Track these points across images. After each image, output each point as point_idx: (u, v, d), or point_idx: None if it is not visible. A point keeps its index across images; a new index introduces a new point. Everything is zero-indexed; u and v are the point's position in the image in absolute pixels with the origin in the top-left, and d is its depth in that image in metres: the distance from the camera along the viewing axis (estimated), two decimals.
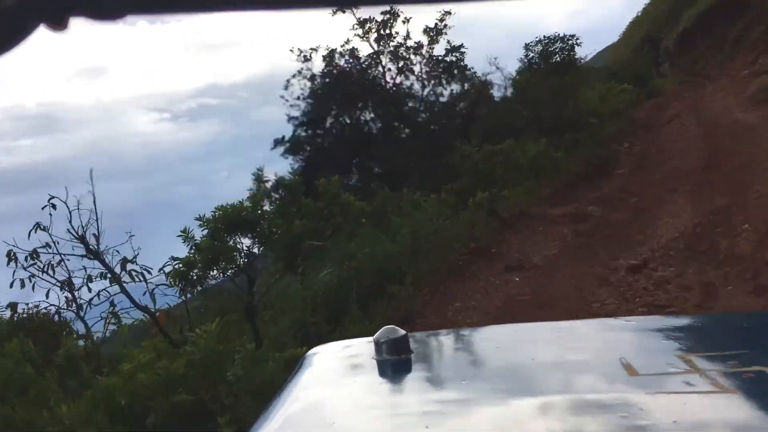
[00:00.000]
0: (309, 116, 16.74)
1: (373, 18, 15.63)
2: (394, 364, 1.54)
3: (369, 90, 16.53)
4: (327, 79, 16.21)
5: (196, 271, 6.75)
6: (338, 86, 16.19)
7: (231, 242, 7.03)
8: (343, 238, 8.80)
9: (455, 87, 17.14)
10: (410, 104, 16.28)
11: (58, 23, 0.51)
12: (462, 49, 16.26)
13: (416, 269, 8.01)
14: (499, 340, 1.79)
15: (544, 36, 14.95)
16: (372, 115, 16.66)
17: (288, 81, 16.59)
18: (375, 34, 16.24)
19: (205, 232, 6.93)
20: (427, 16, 17.15)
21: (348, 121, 16.81)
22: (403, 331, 1.56)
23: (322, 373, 1.64)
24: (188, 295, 6.98)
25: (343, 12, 14.84)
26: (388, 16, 15.36)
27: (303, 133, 16.92)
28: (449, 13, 15.63)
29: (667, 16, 45.04)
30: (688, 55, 38.29)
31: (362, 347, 1.66)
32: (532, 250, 9.10)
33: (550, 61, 14.87)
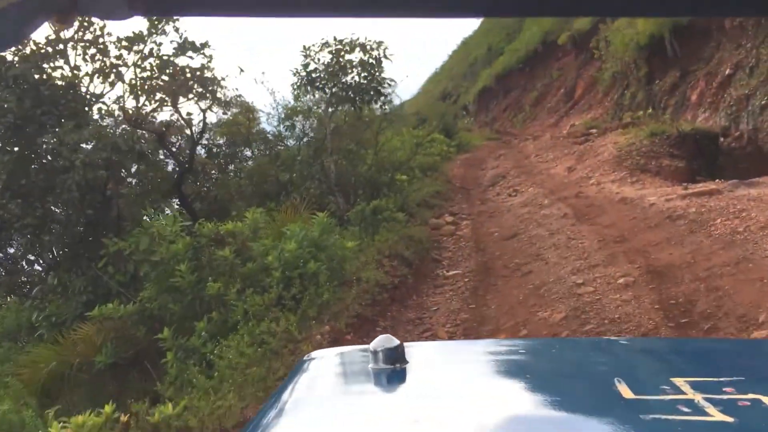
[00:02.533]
0: None
1: None
2: (389, 374, 1.46)
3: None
4: None
5: None
6: None
7: None
8: None
9: (193, 109, 10.70)
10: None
11: (64, 19, 0.53)
12: (207, 49, 9.83)
13: None
14: (494, 355, 1.75)
15: (335, 39, 9.14)
16: None
17: None
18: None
19: None
20: None
21: None
22: (397, 341, 1.49)
23: (315, 380, 1.56)
24: None
25: None
26: None
27: None
28: None
29: (466, 73, 44.87)
30: (491, 111, 37.40)
31: (356, 355, 1.64)
32: None
33: (344, 81, 9.17)
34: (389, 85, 8.99)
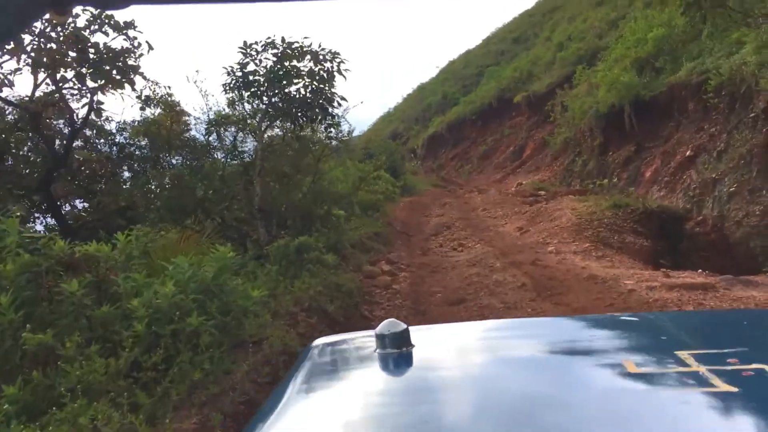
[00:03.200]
0: None
1: None
2: (396, 357, 1.45)
3: None
4: None
5: None
6: None
7: None
8: None
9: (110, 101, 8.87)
10: None
11: (63, 10, 0.53)
12: (132, 31, 8.09)
13: None
14: (499, 335, 1.74)
15: (283, 41, 7.52)
16: None
17: None
18: None
19: None
20: None
21: None
22: (404, 325, 1.48)
23: (324, 365, 1.57)
24: None
25: None
26: None
27: None
28: None
29: (419, 117, 44.48)
30: (439, 159, 36.81)
31: (363, 340, 1.62)
32: None
33: (287, 92, 7.60)
34: (339, 104, 7.61)
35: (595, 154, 17.26)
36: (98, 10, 8.48)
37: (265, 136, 8.13)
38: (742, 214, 8.55)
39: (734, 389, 1.06)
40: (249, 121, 8.12)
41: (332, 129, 8.17)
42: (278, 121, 7.94)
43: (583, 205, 9.96)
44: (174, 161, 10.54)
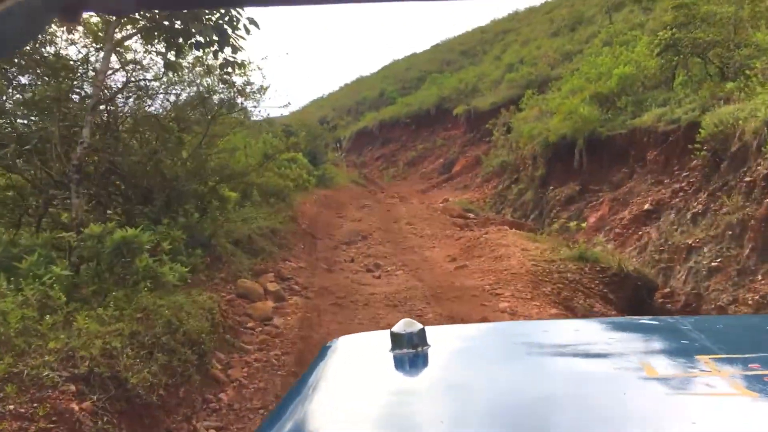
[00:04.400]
0: None
1: None
2: (412, 357, 1.41)
3: None
4: None
5: None
6: None
7: None
8: None
9: None
10: None
11: (72, 17, 0.52)
12: None
13: None
14: (516, 336, 1.65)
15: None
16: None
17: None
18: None
19: None
20: None
21: None
22: (420, 325, 1.43)
23: (342, 364, 1.50)
24: None
25: None
26: None
27: None
28: None
29: (351, 108, 41.75)
30: (364, 156, 34.23)
31: (381, 339, 1.52)
32: None
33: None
34: (248, 31, 4.74)
35: (535, 185, 15.53)
36: None
37: (127, 56, 5.25)
38: (727, 299, 6.77)
39: (755, 395, 1.03)
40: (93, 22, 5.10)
41: (232, 70, 5.36)
42: (140, 35, 4.99)
43: (535, 247, 7.88)
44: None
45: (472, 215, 14.75)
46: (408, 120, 30.82)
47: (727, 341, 1.44)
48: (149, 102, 6.44)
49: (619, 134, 13.27)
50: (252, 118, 9.26)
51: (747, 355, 1.21)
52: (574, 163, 14.19)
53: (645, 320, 1.79)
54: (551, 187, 14.89)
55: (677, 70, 13.45)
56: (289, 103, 17.32)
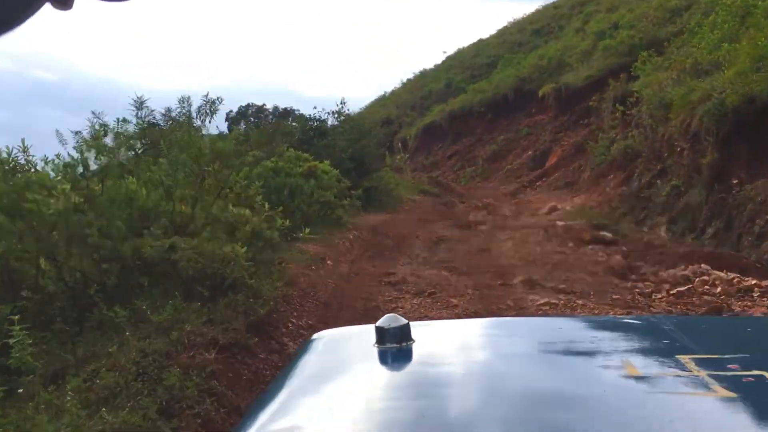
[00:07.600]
0: None
1: None
2: (396, 352, 1.39)
3: None
4: None
5: None
6: None
7: None
8: None
9: None
10: None
11: (64, 1, 0.51)
12: None
13: None
14: (500, 333, 1.66)
15: None
16: None
17: None
18: None
19: None
20: None
21: None
22: (405, 320, 1.41)
23: (322, 358, 1.48)
24: None
25: None
26: None
27: None
28: None
29: (416, 104, 36.44)
30: (434, 155, 28.88)
31: (363, 334, 1.50)
32: None
33: None
34: None
35: (703, 178, 9.65)
36: None
37: None
38: None
39: (733, 395, 1.04)
40: None
41: None
42: None
43: None
44: None
45: (608, 234, 9.18)
46: (482, 109, 25.18)
47: (708, 342, 1.42)
48: None
49: None
50: None
51: (726, 356, 1.20)
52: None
53: (628, 319, 1.84)
54: (734, 181, 9.02)
55: None
56: (343, 103, 12.75)
